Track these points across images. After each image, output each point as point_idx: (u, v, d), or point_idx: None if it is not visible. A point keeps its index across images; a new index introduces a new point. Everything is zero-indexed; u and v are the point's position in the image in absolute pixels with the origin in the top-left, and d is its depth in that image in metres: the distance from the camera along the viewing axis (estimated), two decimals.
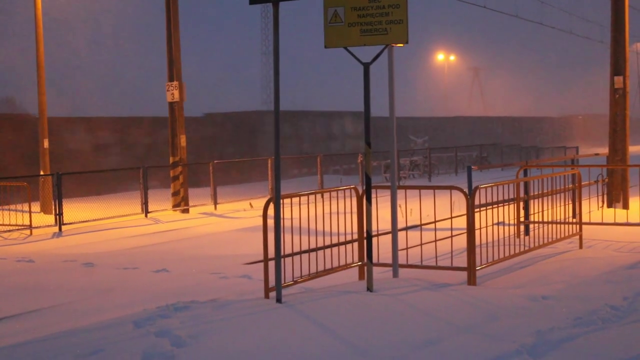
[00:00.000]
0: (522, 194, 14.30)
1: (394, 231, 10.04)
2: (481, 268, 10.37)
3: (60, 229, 19.71)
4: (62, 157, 29.08)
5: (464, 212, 10.18)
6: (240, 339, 7.12)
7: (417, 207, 11.24)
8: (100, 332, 7.51)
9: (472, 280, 9.95)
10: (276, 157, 8.57)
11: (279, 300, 8.44)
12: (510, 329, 7.51)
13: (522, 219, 14.30)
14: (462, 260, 10.62)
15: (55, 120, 28.90)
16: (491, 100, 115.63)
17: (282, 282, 8.62)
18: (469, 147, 48.26)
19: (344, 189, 10.42)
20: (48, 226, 19.89)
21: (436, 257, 10.85)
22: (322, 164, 30.28)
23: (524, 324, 7.67)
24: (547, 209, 13.50)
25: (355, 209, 10.31)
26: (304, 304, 8.31)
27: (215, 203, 24.90)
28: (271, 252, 8.66)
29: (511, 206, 13.16)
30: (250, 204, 25.16)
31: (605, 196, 19.63)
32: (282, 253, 8.58)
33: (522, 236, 13.76)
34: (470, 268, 9.98)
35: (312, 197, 9.79)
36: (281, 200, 8.69)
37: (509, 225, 12.92)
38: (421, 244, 10.98)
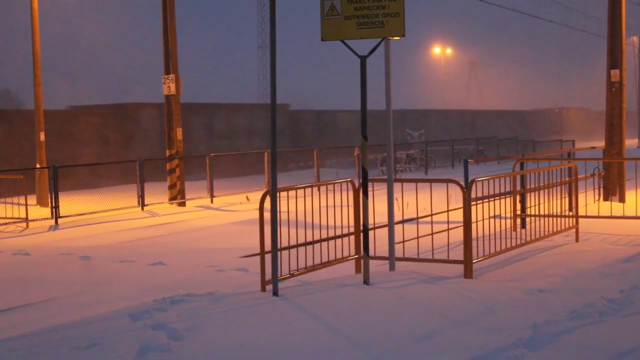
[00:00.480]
0: (518, 187, 14.31)
1: (391, 224, 10.04)
2: (478, 261, 10.38)
3: (56, 222, 19.69)
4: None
5: (461, 205, 10.18)
6: (236, 332, 7.12)
7: (413, 200, 11.25)
8: (96, 325, 7.51)
9: (468, 273, 9.95)
10: (273, 150, 8.56)
11: (275, 293, 8.44)
12: (507, 322, 7.51)
13: (518, 212, 14.31)
14: (458, 254, 10.63)
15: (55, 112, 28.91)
16: (487, 93, 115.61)
17: (279, 275, 8.62)
18: (466, 140, 48.27)
19: (341, 182, 10.41)
20: (44, 219, 19.87)
21: (433, 250, 10.85)
22: (318, 157, 30.27)
23: (521, 317, 7.68)
24: (544, 202, 13.51)
25: (351, 202, 10.31)
26: (301, 297, 8.31)
27: (212, 196, 24.88)
28: (268, 245, 8.66)
29: (508, 199, 13.17)
30: (247, 197, 25.16)
31: (601, 189, 19.64)
32: (278, 246, 8.58)
33: (518, 229, 13.76)
34: (467, 261, 9.98)
35: (308, 190, 9.79)
36: (278, 193, 8.68)
37: (505, 218, 12.92)
38: (418, 237, 10.99)
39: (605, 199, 19.47)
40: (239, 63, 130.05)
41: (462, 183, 10.46)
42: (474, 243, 10.15)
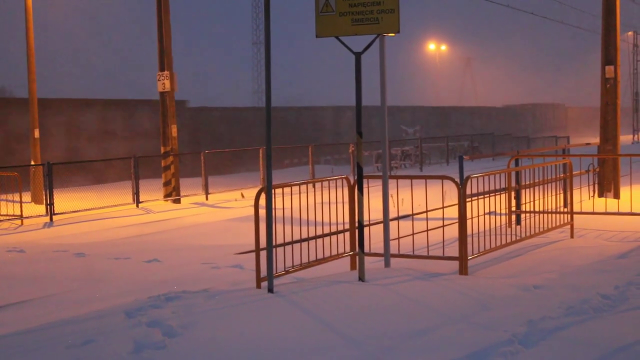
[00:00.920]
0: (513, 184, 14.32)
1: (386, 221, 10.04)
2: (473, 258, 10.38)
3: (51, 219, 19.66)
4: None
5: (456, 201, 10.19)
6: (231, 329, 7.11)
7: (408, 196, 11.24)
8: (91, 322, 7.50)
9: (463, 270, 9.96)
10: (267, 147, 8.56)
11: (270, 290, 8.44)
12: (502, 319, 7.52)
13: (513, 209, 14.32)
14: (453, 250, 10.63)
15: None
16: (483, 89, 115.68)
17: (274, 272, 8.61)
18: (461, 136, 48.28)
19: (336, 179, 10.41)
20: (39, 216, 19.84)
21: (428, 246, 10.86)
22: (313, 154, 30.25)
23: (516, 314, 7.68)
24: (539, 199, 13.52)
25: (346, 199, 10.31)
26: (296, 294, 8.30)
27: (207, 193, 24.87)
28: (263, 242, 8.65)
29: (503, 196, 13.18)
30: (242, 194, 25.14)
31: (596, 186, 19.66)
32: (273, 243, 8.58)
33: (513, 226, 13.77)
34: (462, 258, 9.99)
35: (303, 187, 9.78)
36: (273, 190, 8.68)
37: (500, 214, 12.93)
38: (413, 234, 10.98)
39: (600, 195, 19.49)
40: (234, 60, 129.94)
41: (457, 179, 10.47)
42: (469, 240, 10.16)
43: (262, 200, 8.67)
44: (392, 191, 10.68)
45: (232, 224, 18.29)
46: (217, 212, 21.10)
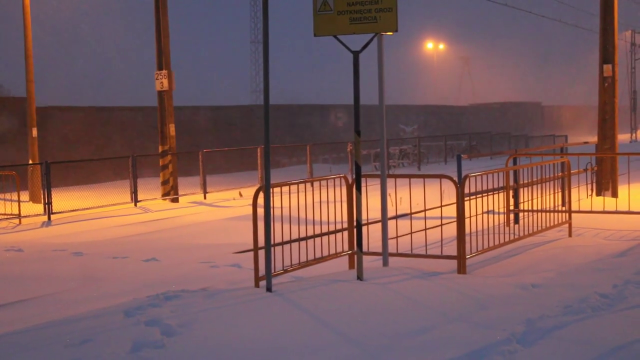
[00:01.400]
0: (511, 183, 14.32)
1: (384, 220, 10.04)
2: (471, 257, 10.39)
3: (49, 218, 19.65)
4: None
5: (454, 200, 10.19)
6: (230, 328, 7.12)
7: (406, 195, 11.25)
8: (90, 322, 7.50)
9: (462, 268, 9.97)
10: (266, 146, 8.56)
11: (269, 289, 8.44)
12: (500, 318, 7.53)
13: (511, 208, 14.33)
14: (452, 249, 10.64)
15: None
16: (481, 88, 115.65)
17: (272, 271, 8.62)
18: (459, 135, 48.28)
19: (334, 178, 10.41)
20: (37, 215, 19.82)
21: (426, 245, 10.86)
22: (311, 153, 30.25)
23: (514, 313, 7.69)
24: (537, 198, 13.53)
25: (345, 198, 10.31)
26: (294, 293, 8.31)
27: (205, 192, 24.86)
28: (261, 241, 8.65)
29: (501, 195, 13.18)
30: (240, 193, 25.14)
31: (594, 184, 19.67)
32: (272, 242, 8.58)
33: (511, 224, 13.78)
34: (460, 256, 9.99)
35: (301, 186, 9.79)
36: (271, 189, 8.68)
37: (498, 213, 12.94)
38: (411, 233, 10.99)
39: (598, 194, 19.50)
40: (232, 58, 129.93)
41: (455, 178, 10.47)
42: (467, 238, 10.16)
43: (261, 199, 8.67)
44: (390, 190, 10.67)
45: (231, 223, 18.29)
46: (215, 211, 21.09)
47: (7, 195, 20.35)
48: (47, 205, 19.85)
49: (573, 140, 46.90)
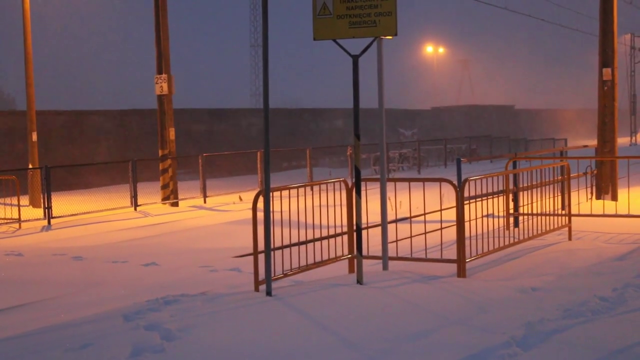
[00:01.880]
0: (511, 186, 14.33)
1: (384, 224, 10.04)
2: (471, 260, 10.39)
3: (49, 222, 19.65)
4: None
5: (454, 204, 10.19)
6: (230, 332, 7.11)
7: (406, 199, 11.25)
8: (89, 326, 7.49)
9: (461, 272, 9.96)
10: (266, 150, 8.56)
11: (269, 293, 8.44)
12: (500, 321, 7.52)
13: (511, 211, 14.33)
14: (451, 253, 10.64)
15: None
16: (480, 92, 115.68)
17: (272, 275, 8.61)
18: (458, 139, 48.28)
19: (334, 182, 10.41)
20: (37, 220, 19.82)
21: (426, 249, 10.87)
22: (311, 157, 30.26)
23: (514, 316, 7.69)
24: (536, 201, 13.53)
25: (344, 202, 10.31)
26: (294, 297, 8.30)
27: (205, 196, 24.86)
28: (261, 245, 8.65)
29: (500, 198, 13.18)
30: (240, 197, 25.14)
31: (594, 188, 19.67)
32: (271, 246, 8.58)
33: (511, 228, 13.78)
34: (460, 260, 9.99)
35: (301, 190, 9.78)
36: (271, 193, 8.68)
37: (498, 217, 12.94)
38: (411, 237, 10.99)
39: (598, 198, 19.50)
40: (231, 62, 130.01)
41: (455, 182, 10.48)
42: (466, 242, 10.16)
43: (260, 203, 8.67)
44: (390, 194, 10.69)
45: (230, 227, 18.29)
46: (215, 215, 21.09)
47: (7, 200, 20.34)
48: (47, 210, 19.85)
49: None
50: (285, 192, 9.46)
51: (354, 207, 9.72)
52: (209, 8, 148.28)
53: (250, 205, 8.92)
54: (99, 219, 20.24)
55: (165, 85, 23.47)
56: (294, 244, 10.15)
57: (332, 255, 10.26)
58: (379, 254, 10.28)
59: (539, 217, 12.98)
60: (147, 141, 31.93)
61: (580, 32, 52.65)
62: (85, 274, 12.16)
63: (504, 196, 13.65)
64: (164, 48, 23.50)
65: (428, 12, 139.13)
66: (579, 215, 14.64)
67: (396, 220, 12.28)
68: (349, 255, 10.24)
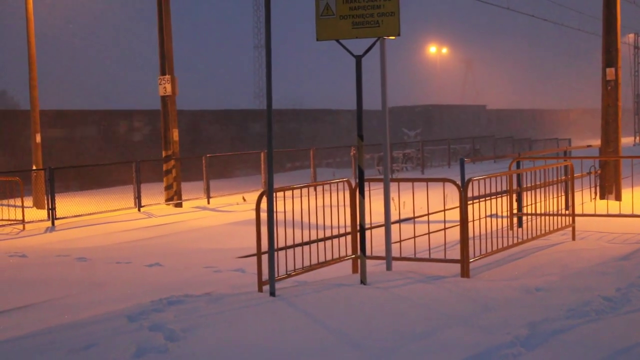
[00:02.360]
0: (515, 186, 14.32)
1: (387, 224, 10.04)
2: (474, 260, 10.38)
3: (53, 223, 19.66)
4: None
5: (457, 204, 10.19)
6: (234, 332, 7.12)
7: (410, 199, 11.24)
8: (93, 327, 7.50)
9: (465, 272, 9.96)
10: (269, 150, 8.56)
11: (272, 293, 8.44)
12: (504, 321, 7.52)
13: (515, 211, 14.31)
14: (455, 253, 10.63)
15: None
16: (484, 92, 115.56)
17: (276, 275, 8.61)
18: (462, 139, 48.23)
19: (337, 182, 10.41)
20: (41, 221, 19.83)
21: (429, 249, 10.86)
22: (314, 157, 30.26)
23: (517, 316, 7.69)
24: (540, 201, 13.52)
25: (348, 202, 10.31)
26: (298, 297, 8.31)
27: (208, 197, 24.86)
28: (264, 245, 8.65)
29: (504, 198, 13.17)
30: (244, 197, 25.14)
31: (597, 188, 19.66)
32: (275, 246, 8.58)
33: (515, 228, 13.77)
34: (464, 260, 9.99)
35: (305, 190, 9.78)
36: (274, 194, 8.68)
37: (502, 217, 12.92)
38: (414, 237, 10.98)
39: (602, 197, 19.48)
40: (235, 63, 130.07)
41: (459, 182, 10.47)
42: (470, 242, 10.15)
43: (264, 204, 8.67)
44: (393, 194, 10.69)
45: (234, 228, 18.30)
46: (218, 216, 21.09)
47: (11, 201, 20.36)
48: (50, 211, 19.87)
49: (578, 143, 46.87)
50: (288, 193, 9.46)
51: (357, 208, 9.72)
52: (212, 9, 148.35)
53: (254, 206, 8.92)
54: (102, 219, 20.25)
55: (168, 86, 23.47)
56: (298, 245, 10.16)
57: (336, 255, 10.26)
58: (383, 254, 10.28)
59: (543, 217, 12.97)
60: (151, 142, 31.97)
61: (584, 32, 52.60)
62: (89, 274, 12.17)
63: (508, 196, 13.64)
64: (167, 49, 23.51)
65: (431, 13, 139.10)
66: (582, 215, 14.63)
67: (400, 221, 12.29)
68: (353, 256, 10.24)
